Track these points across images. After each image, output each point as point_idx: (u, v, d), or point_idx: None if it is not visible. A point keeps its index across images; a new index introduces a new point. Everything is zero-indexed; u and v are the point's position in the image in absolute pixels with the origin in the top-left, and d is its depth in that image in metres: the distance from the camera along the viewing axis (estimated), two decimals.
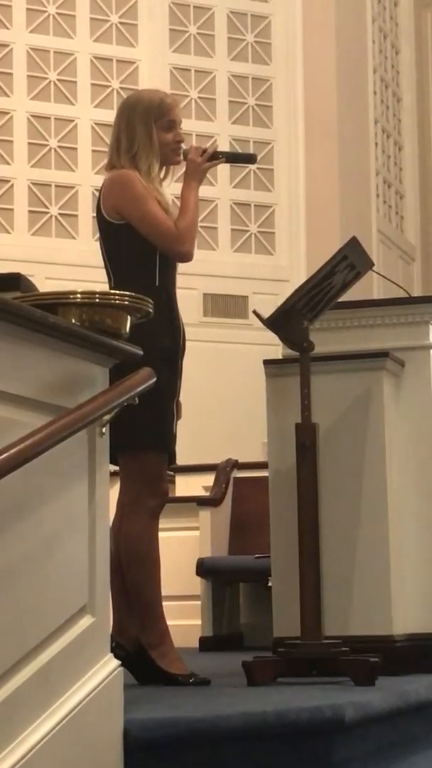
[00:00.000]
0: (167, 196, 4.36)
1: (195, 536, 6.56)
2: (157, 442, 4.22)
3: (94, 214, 4.09)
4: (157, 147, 4.31)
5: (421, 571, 4.57)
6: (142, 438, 4.17)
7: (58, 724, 2.77)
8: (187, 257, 4.30)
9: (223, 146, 8.75)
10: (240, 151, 8.43)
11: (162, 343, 4.19)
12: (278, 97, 9.59)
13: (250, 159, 4.80)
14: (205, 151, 4.38)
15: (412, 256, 10.99)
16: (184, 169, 4.41)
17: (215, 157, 4.39)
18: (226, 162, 4.54)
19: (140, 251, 4.26)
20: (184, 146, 4.39)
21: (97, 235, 4.41)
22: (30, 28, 8.90)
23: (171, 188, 4.48)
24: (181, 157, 4.37)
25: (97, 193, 4.44)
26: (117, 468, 4.26)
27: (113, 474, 4.23)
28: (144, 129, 4.31)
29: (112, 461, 4.14)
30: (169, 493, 4.42)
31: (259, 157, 9.28)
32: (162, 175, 4.41)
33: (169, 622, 4.25)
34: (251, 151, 4.74)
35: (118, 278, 4.28)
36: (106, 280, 4.35)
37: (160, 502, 4.26)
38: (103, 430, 3.01)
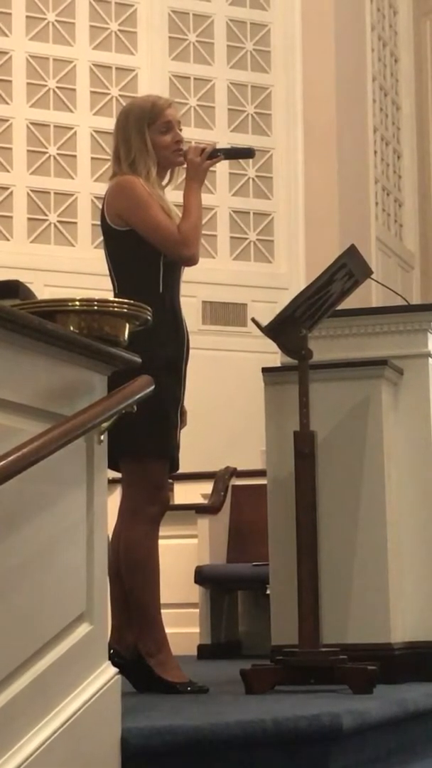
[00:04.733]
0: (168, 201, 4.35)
1: (193, 544, 6.56)
2: (159, 449, 4.21)
3: (94, 222, 4.12)
4: (153, 152, 4.30)
5: (419, 578, 4.56)
6: (144, 445, 4.17)
7: (56, 732, 2.76)
8: (192, 261, 4.28)
9: None
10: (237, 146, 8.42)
11: (165, 351, 4.19)
12: (277, 105, 9.60)
13: (248, 153, 4.71)
14: (203, 150, 4.36)
15: (411, 264, 11.00)
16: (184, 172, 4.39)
17: (214, 155, 4.36)
18: (225, 158, 4.49)
19: (144, 258, 4.25)
20: (183, 147, 4.37)
21: (97, 242, 4.43)
22: (29, 36, 8.92)
23: (171, 195, 4.47)
24: (182, 158, 4.35)
25: (96, 201, 4.45)
26: (119, 474, 4.26)
27: (116, 481, 4.24)
28: (138, 135, 4.31)
29: (115, 468, 4.15)
30: (170, 500, 4.41)
31: (258, 165, 9.39)
32: (167, 179, 4.40)
33: (167, 630, 4.25)
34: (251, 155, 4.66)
35: (122, 285, 4.27)
36: (104, 287, 4.35)
37: (161, 509, 4.25)
38: (102, 437, 3.01)
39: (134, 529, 4.19)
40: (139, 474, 4.21)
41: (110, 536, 4.08)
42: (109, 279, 4.35)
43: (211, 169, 4.51)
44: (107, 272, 4.35)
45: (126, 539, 4.19)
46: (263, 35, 9.65)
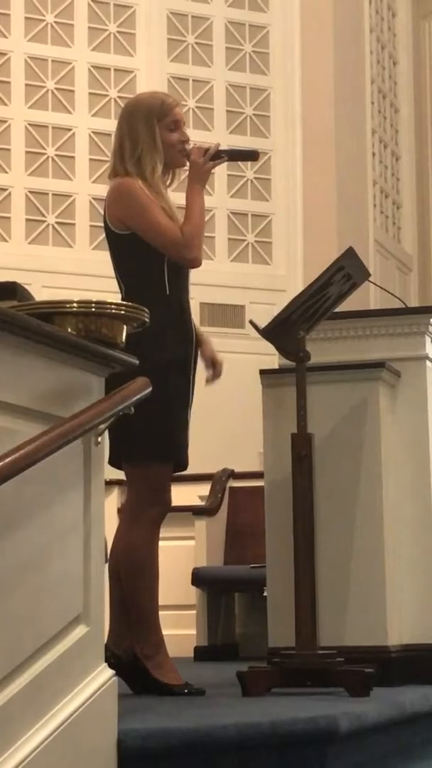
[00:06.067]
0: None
1: (190, 546, 6.56)
2: (161, 453, 4.20)
3: (92, 223, 4.11)
4: (161, 147, 4.27)
5: (416, 581, 4.56)
6: (145, 448, 4.16)
7: (52, 734, 2.76)
8: (195, 263, 4.25)
9: None
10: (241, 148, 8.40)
11: (173, 353, 4.17)
12: (276, 107, 9.60)
13: (252, 155, 4.65)
14: (207, 151, 4.33)
15: (409, 267, 11.00)
16: (186, 173, 4.37)
17: (217, 156, 4.33)
18: (229, 160, 4.45)
19: (148, 261, 4.22)
20: (188, 147, 4.35)
21: (95, 243, 4.41)
22: (28, 37, 8.91)
23: (172, 197, 4.46)
24: (185, 159, 4.33)
25: (94, 202, 4.43)
26: (121, 475, 4.26)
27: (113, 482, 4.23)
28: (147, 130, 4.27)
29: (121, 468, 4.15)
30: (171, 503, 4.38)
31: (256, 167, 9.39)
32: (169, 180, 4.39)
33: (164, 632, 4.25)
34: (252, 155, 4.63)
35: (128, 289, 4.24)
36: (103, 288, 4.36)
37: (161, 511, 4.25)
38: (99, 439, 3.01)
39: (134, 531, 4.19)
40: (141, 476, 4.21)
41: (111, 539, 4.08)
42: (107, 280, 4.34)
43: None
44: (105, 273, 4.34)
45: (126, 541, 4.19)
46: (262, 37, 9.65)
